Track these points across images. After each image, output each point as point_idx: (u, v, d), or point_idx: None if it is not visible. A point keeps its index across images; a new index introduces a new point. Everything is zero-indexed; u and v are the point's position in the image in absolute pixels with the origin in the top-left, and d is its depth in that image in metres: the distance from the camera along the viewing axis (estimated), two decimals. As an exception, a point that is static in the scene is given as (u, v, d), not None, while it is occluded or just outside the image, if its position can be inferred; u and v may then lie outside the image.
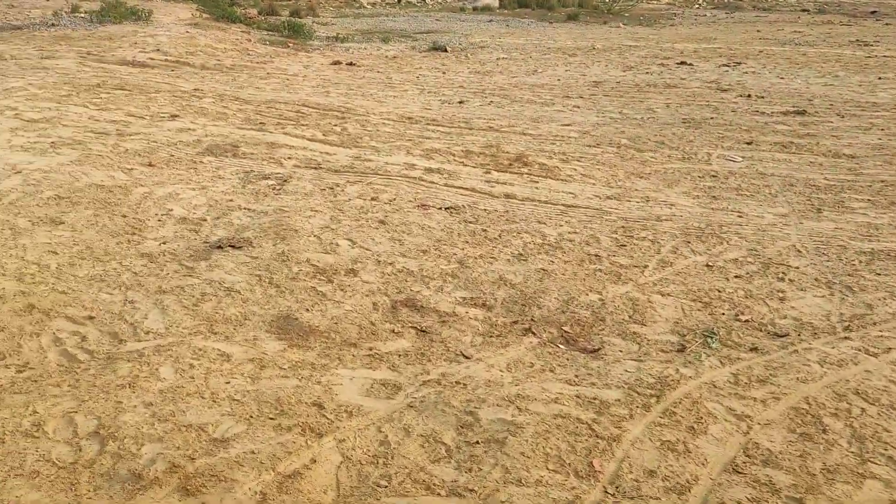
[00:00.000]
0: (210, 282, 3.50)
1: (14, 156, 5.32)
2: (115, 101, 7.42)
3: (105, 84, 8.52)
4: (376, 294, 3.46)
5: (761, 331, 3.23)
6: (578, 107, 8.82)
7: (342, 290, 3.48)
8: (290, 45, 13.69)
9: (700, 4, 28.39)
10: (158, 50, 11.86)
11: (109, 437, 2.36)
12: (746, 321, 3.30)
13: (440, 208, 4.77)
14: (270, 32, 15.24)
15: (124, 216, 4.30)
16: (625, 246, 4.17)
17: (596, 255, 4.02)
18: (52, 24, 13.39)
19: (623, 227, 4.49)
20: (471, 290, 3.55)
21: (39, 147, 5.58)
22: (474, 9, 25.45)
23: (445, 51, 13.83)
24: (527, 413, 2.57)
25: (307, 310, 3.28)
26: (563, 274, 3.76)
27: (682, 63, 12.49)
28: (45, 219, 4.17)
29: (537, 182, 5.47)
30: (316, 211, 4.48)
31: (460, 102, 8.93)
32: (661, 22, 21.55)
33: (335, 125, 7.11)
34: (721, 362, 2.96)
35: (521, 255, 3.99)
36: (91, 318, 3.11)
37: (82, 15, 14.27)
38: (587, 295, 3.53)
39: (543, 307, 3.38)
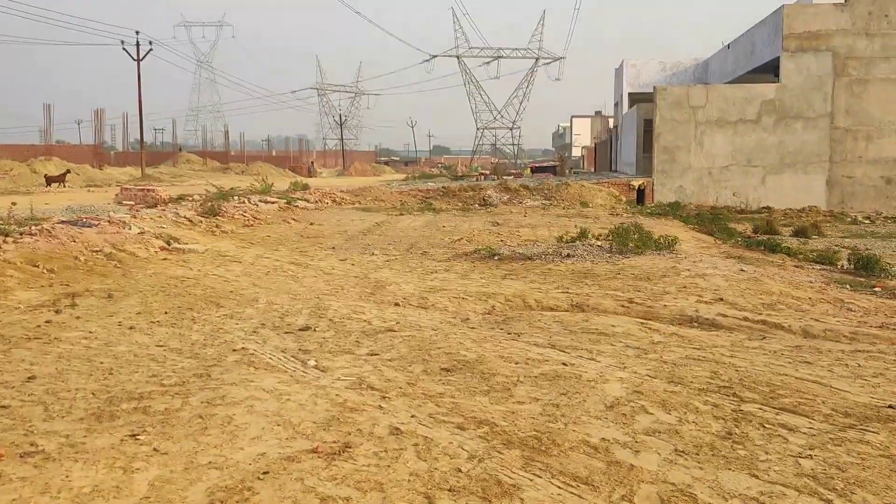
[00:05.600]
0: None
1: None
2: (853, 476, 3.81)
3: (737, 389, 5.11)
4: None
5: None
6: None
7: None
8: (881, 288, 9.60)
9: None
10: (722, 300, 8.54)
11: None
12: None
13: None
14: (821, 266, 11.36)
15: None
16: None
17: None
18: (568, 255, 10.99)
19: None
20: None
21: None
22: None
23: None
24: None
25: None
26: None
27: None
28: None
29: None
30: None
31: None
32: None
33: None
34: None
35: None
36: None
37: (598, 243, 11.78)
38: None
39: None
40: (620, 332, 6.96)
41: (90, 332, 6.64)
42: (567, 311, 8.29)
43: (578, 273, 10.12)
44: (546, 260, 10.96)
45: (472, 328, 7.17)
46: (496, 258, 11.35)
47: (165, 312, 7.68)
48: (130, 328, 6.89)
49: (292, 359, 5.73)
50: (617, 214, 20.56)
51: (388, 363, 5.61)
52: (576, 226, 13.48)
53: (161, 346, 6.25)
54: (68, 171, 38.89)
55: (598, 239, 12.22)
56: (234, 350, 6.05)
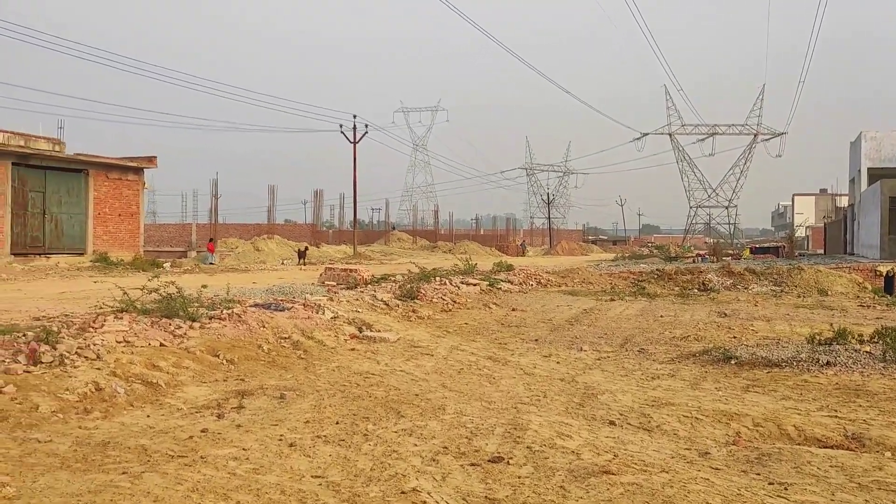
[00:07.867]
0: None
1: None
2: None
3: None
4: None
5: None
6: None
7: None
8: None
9: None
10: None
11: None
12: None
13: None
14: None
15: None
16: None
17: None
18: (828, 363, 8.78)
19: None
20: None
21: None
22: None
23: None
24: None
25: None
26: None
27: None
28: None
29: None
30: None
31: None
32: None
33: None
34: None
35: None
36: None
37: (865, 348, 9.42)
38: None
39: None
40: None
41: (244, 451, 5.56)
42: (842, 446, 6.24)
43: (846, 389, 7.93)
44: (798, 367, 8.82)
45: (716, 470, 5.38)
46: (732, 362, 9.36)
47: (337, 422, 6.52)
48: (291, 445, 5.76)
49: (474, 517, 4.26)
50: (868, 306, 17.51)
51: (605, 536, 3.98)
52: (830, 324, 11.09)
53: (318, 476, 5.03)
54: (307, 247, 44.53)
55: (860, 341, 9.84)
56: (403, 492, 4.68)
